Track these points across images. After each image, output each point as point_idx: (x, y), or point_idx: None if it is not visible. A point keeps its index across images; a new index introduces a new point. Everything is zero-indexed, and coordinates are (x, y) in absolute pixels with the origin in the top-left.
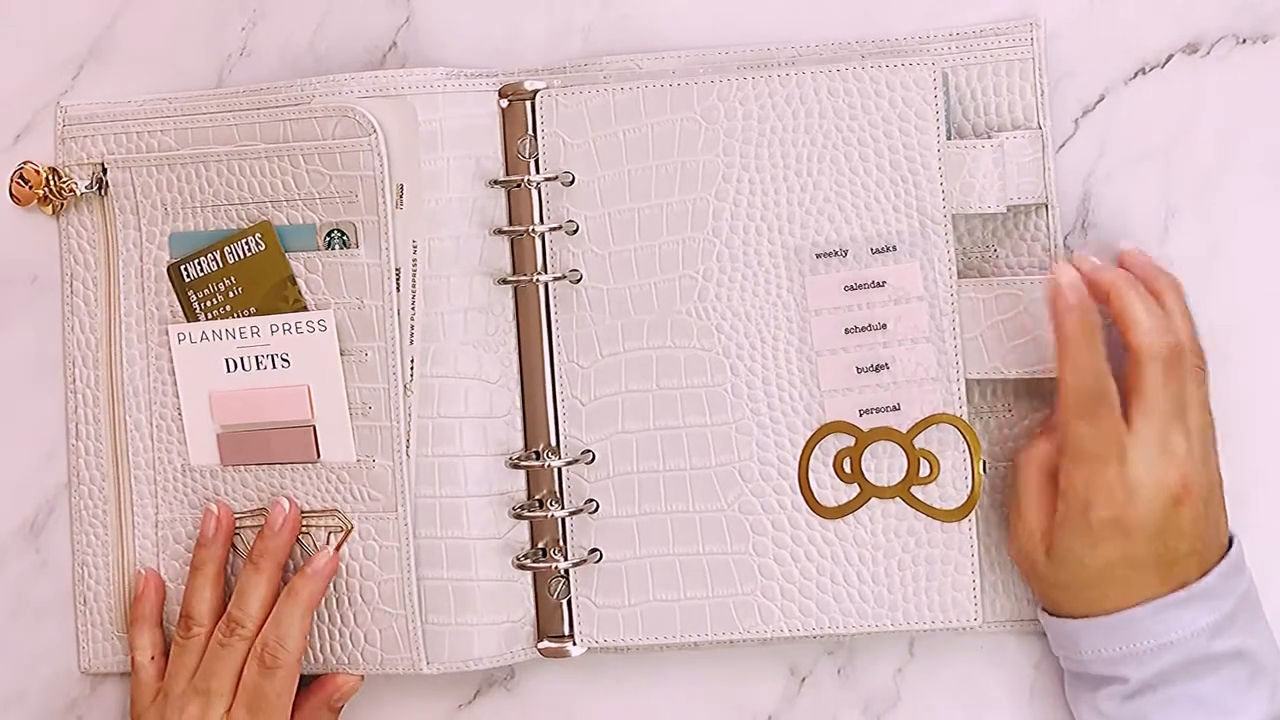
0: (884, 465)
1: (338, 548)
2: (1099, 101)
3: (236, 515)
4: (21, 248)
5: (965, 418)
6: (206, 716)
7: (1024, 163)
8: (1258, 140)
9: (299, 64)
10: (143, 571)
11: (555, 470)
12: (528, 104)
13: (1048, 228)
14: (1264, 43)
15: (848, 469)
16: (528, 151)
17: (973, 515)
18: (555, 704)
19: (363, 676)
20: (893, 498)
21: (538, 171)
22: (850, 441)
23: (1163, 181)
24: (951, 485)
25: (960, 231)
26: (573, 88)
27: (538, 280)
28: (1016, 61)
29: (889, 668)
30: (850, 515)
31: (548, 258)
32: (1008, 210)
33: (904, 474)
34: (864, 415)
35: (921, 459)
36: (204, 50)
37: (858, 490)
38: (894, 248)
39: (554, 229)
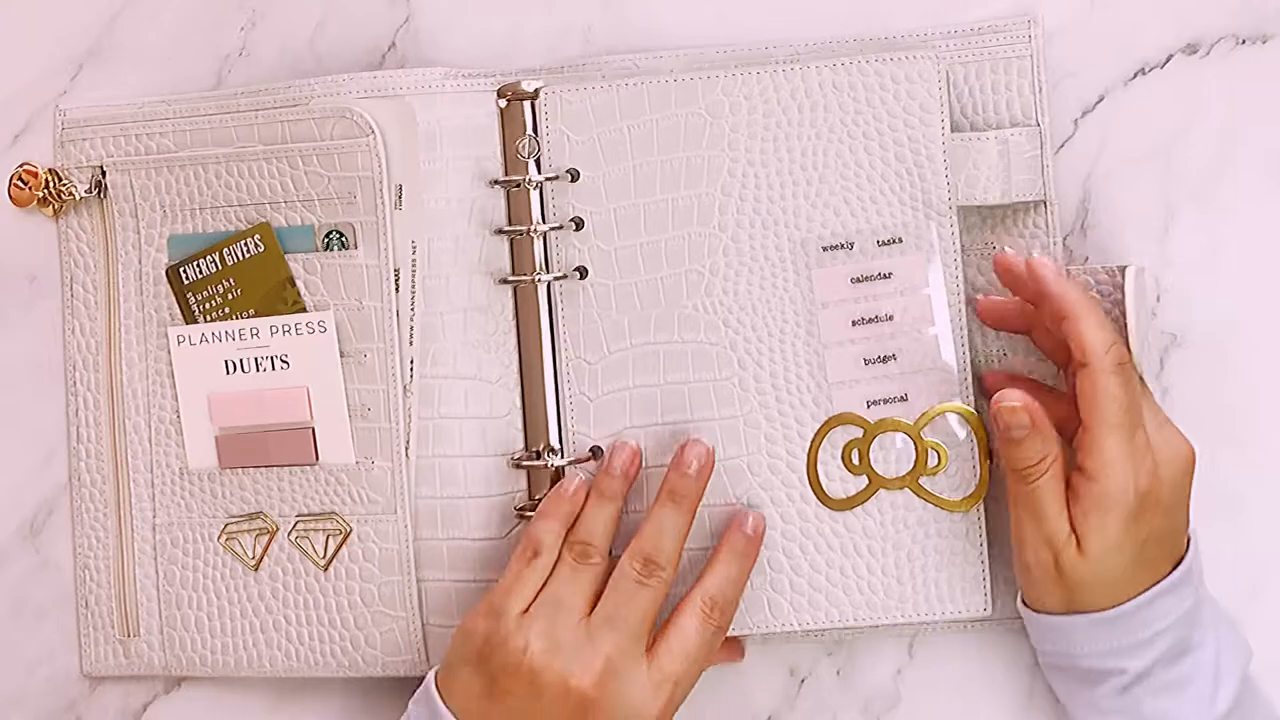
0: (892, 456)
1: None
2: (1099, 101)
3: (233, 519)
4: (20, 249)
5: (973, 408)
6: (626, 658)
7: (1023, 160)
8: (1258, 140)
9: (298, 64)
10: (578, 477)
11: (557, 469)
12: (526, 104)
13: (1046, 225)
14: (1264, 43)
15: (856, 461)
16: (527, 151)
17: (981, 505)
18: None
19: (742, 652)
20: (901, 489)
21: (538, 171)
22: (858, 433)
23: (1163, 181)
24: (959, 475)
25: (960, 228)
26: (576, 84)
27: (538, 280)
28: (1015, 59)
29: (888, 668)
30: (859, 507)
31: (551, 255)
32: (1008, 207)
33: (912, 465)
34: (871, 406)
35: (929, 449)
36: (203, 51)
37: (866, 482)
38: (900, 239)
39: (557, 227)
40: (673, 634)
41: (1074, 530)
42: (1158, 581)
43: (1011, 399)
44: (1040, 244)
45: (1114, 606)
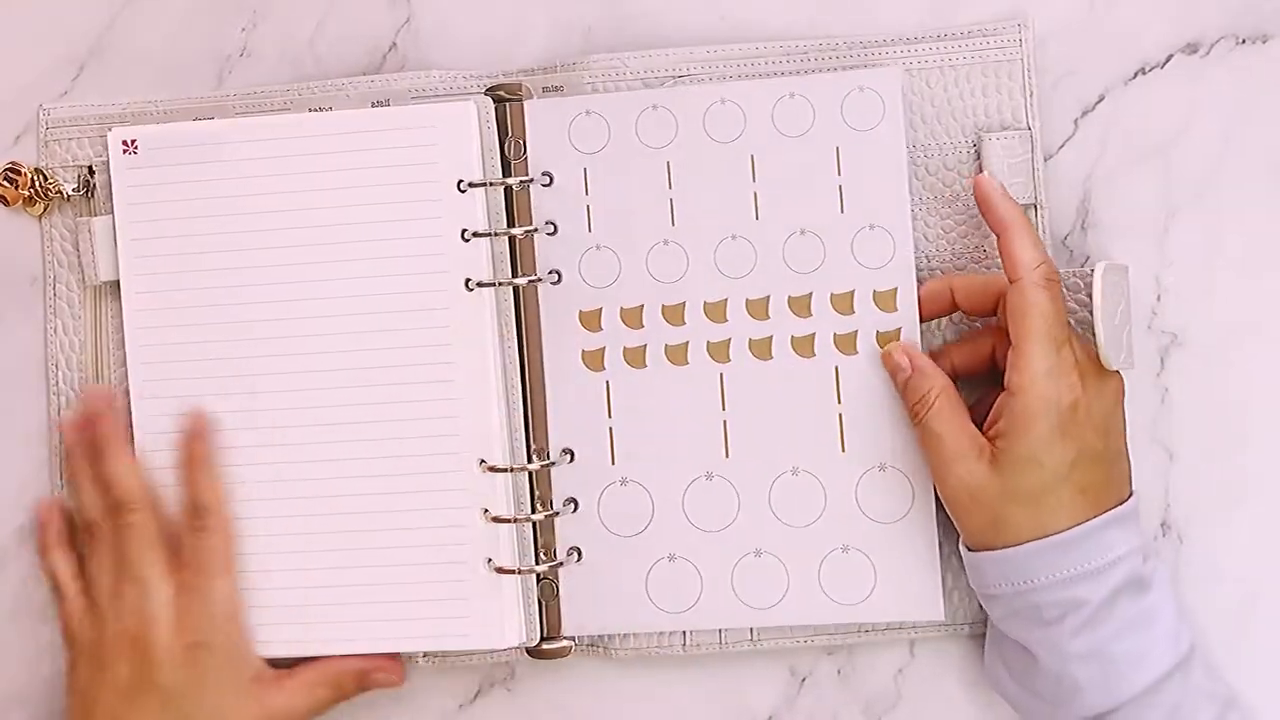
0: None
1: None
2: (1099, 101)
3: None
4: (21, 249)
5: None
6: (149, 598)
7: (1013, 163)
8: (1258, 140)
9: (298, 64)
10: (43, 501)
11: (534, 473)
12: (519, 105)
13: (1038, 227)
14: (1264, 43)
15: None
16: (513, 153)
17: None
18: (555, 704)
19: (402, 680)
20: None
21: (526, 173)
22: None
23: (1163, 181)
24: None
25: (954, 235)
26: (551, 93)
27: (517, 282)
28: (1005, 62)
29: (889, 668)
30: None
31: (534, 259)
32: None
33: None
34: None
35: None
36: (204, 51)
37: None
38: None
39: (531, 231)
40: (181, 556)
41: (990, 446)
42: (1109, 509)
43: (891, 348)
44: None
45: (1070, 528)
